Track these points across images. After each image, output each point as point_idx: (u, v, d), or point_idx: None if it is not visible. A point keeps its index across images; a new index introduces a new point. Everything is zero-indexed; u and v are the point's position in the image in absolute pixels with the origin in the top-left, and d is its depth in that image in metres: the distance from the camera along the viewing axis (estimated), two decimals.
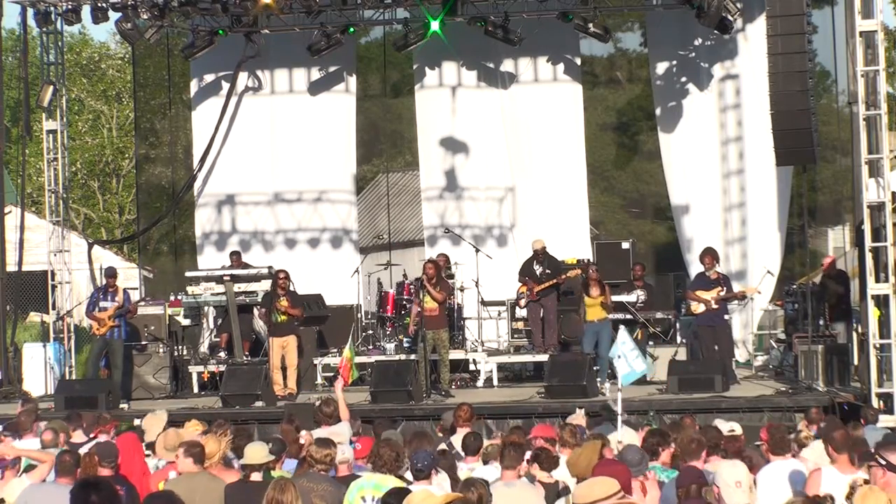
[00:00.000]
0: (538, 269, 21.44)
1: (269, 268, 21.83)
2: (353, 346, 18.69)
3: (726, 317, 20.37)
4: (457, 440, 12.52)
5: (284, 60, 24.90)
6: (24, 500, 9.91)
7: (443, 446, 12.23)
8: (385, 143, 40.87)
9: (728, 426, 13.08)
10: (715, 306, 19.89)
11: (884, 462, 7.81)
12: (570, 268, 21.43)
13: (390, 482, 9.53)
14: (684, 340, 21.25)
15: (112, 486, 6.64)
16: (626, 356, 14.92)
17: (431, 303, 19.67)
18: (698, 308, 20.02)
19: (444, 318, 19.98)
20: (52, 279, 23.51)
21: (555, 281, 21.27)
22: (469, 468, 11.23)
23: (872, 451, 8.00)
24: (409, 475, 9.95)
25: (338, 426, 13.32)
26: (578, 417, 14.47)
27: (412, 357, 20.57)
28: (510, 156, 24.36)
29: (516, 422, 17.59)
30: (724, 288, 20.00)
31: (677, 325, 21.62)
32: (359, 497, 9.58)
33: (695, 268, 23.27)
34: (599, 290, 20.06)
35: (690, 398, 18.41)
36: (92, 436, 13.94)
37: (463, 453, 11.93)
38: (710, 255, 20.32)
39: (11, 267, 23.52)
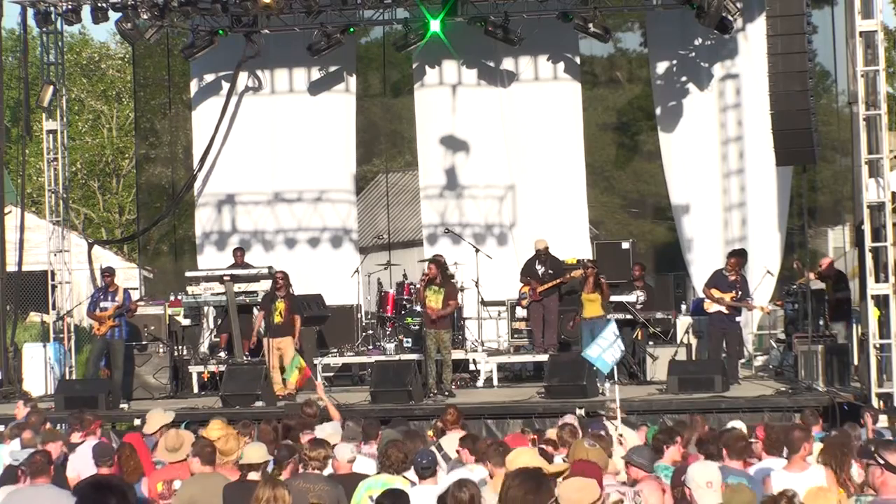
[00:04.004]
0: (540, 269, 21.44)
1: (269, 268, 21.84)
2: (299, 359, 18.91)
3: (738, 319, 20.39)
4: (446, 442, 12.48)
5: (284, 60, 24.90)
6: None
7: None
8: (385, 143, 40.82)
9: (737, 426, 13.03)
10: (726, 311, 19.92)
11: (882, 461, 7.79)
12: (572, 268, 21.43)
13: (398, 482, 9.55)
14: (685, 340, 21.22)
15: (124, 485, 6.61)
16: (601, 345, 14.99)
17: (436, 301, 19.65)
18: (711, 307, 20.04)
19: (448, 318, 19.99)
20: (52, 279, 23.52)
21: (558, 281, 21.27)
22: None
23: (872, 449, 7.98)
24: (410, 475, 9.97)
25: (325, 426, 13.27)
26: (571, 418, 14.39)
27: (412, 357, 20.59)
28: (510, 154, 24.37)
29: (516, 422, 17.65)
30: (740, 291, 20.00)
31: (677, 324, 21.61)
32: (367, 496, 9.62)
33: (695, 267, 23.31)
34: (594, 287, 20.05)
35: (690, 398, 18.42)
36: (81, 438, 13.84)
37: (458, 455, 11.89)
38: (736, 259, 20.32)
39: (11, 267, 23.52)
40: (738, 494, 8.24)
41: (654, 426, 13.85)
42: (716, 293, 20.02)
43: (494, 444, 10.34)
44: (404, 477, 9.87)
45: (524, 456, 8.20)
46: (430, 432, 13.85)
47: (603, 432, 11.47)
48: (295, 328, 20.28)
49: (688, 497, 8.14)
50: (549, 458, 10.53)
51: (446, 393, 19.64)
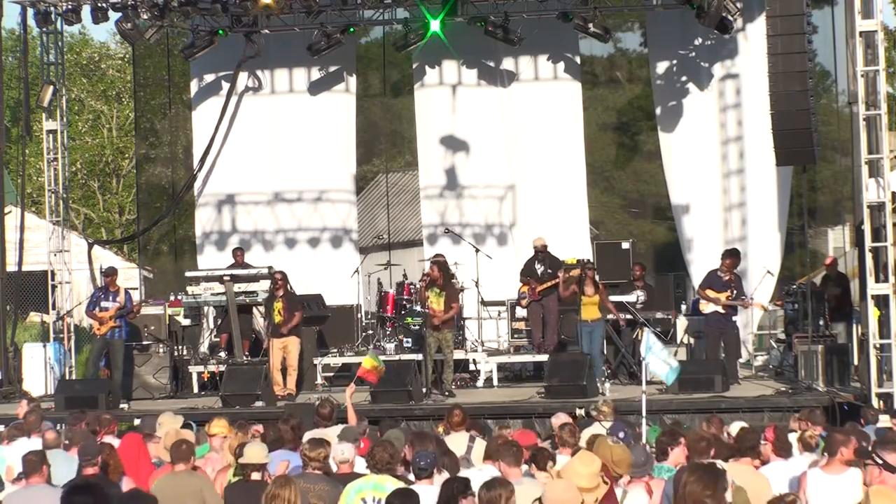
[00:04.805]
0: (539, 269, 21.43)
1: (269, 268, 21.84)
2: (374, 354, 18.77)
3: (734, 318, 20.39)
4: (451, 442, 12.46)
5: (284, 60, 24.90)
6: None
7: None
8: (385, 143, 40.85)
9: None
10: (722, 311, 19.92)
11: (880, 461, 7.81)
12: (571, 267, 21.41)
13: (389, 482, 9.55)
14: (685, 340, 21.23)
15: (104, 486, 6.64)
16: (658, 355, 14.77)
17: (438, 304, 19.64)
18: (707, 308, 20.04)
19: (451, 319, 19.98)
20: (52, 279, 23.51)
21: (557, 280, 21.25)
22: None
23: (870, 449, 8.00)
24: (409, 475, 9.96)
25: (329, 429, 13.28)
26: (563, 417, 14.25)
27: (412, 357, 20.58)
28: (510, 154, 24.38)
29: (516, 422, 17.63)
30: (735, 290, 20.02)
31: (677, 324, 21.61)
32: (358, 498, 9.58)
33: (695, 267, 23.29)
34: (594, 290, 20.05)
35: (690, 398, 18.42)
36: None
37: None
38: (731, 258, 20.34)
39: (11, 267, 23.52)
40: (734, 495, 8.26)
41: (654, 426, 13.83)
42: (711, 293, 20.04)
43: (507, 443, 10.33)
44: (396, 477, 9.85)
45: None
46: (440, 429, 13.83)
47: (622, 433, 11.42)
48: (292, 323, 20.21)
49: None
50: (550, 458, 10.56)
51: (446, 393, 19.63)
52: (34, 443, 13.18)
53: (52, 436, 13.04)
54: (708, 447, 10.25)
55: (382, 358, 20.96)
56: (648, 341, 14.62)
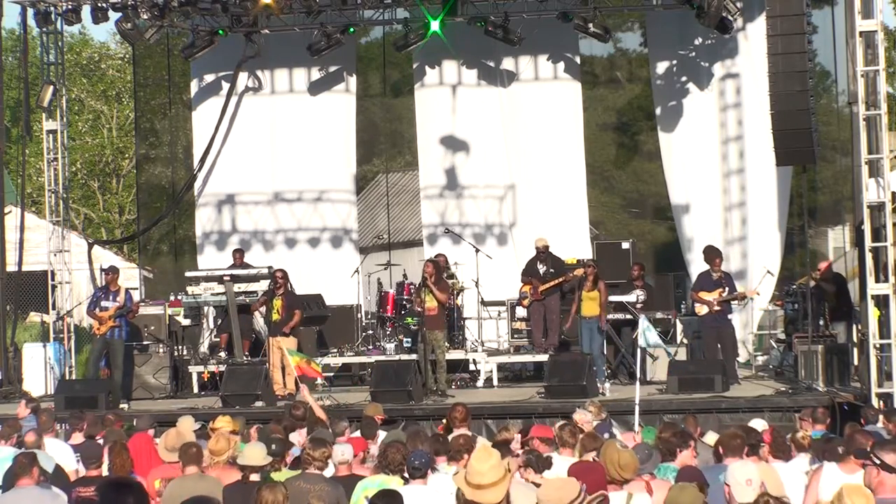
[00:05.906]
0: (542, 269, 21.42)
1: (269, 268, 21.86)
2: (294, 352, 18.77)
3: (729, 316, 20.41)
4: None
5: (284, 60, 24.91)
6: None
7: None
8: (385, 143, 40.83)
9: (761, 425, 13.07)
10: (717, 308, 19.94)
11: (878, 462, 7.81)
12: (573, 267, 21.42)
13: (394, 483, 9.57)
14: (685, 340, 21.24)
15: (142, 486, 6.65)
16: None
17: (432, 302, 19.63)
18: (702, 309, 20.06)
19: (443, 319, 19.95)
20: (52, 279, 23.51)
21: (560, 280, 21.24)
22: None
23: (867, 449, 8.01)
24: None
25: (303, 430, 13.28)
26: (584, 416, 14.30)
27: (412, 357, 20.57)
28: (510, 154, 24.38)
29: (516, 422, 17.62)
30: (727, 288, 20.06)
31: (677, 324, 21.61)
32: (363, 497, 9.63)
33: (695, 267, 23.26)
34: (593, 286, 20.06)
35: (690, 398, 18.42)
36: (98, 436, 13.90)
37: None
38: (720, 258, 20.40)
39: (11, 267, 23.53)
40: (682, 493, 8.28)
41: (648, 426, 13.79)
42: (704, 295, 20.07)
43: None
44: (402, 477, 9.88)
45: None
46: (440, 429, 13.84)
47: (606, 434, 11.43)
48: (291, 322, 20.21)
49: (726, 494, 8.18)
50: (546, 461, 10.56)
51: (440, 393, 19.54)
52: (48, 442, 13.22)
53: (33, 438, 13.04)
54: (742, 444, 10.26)
55: (382, 358, 21.09)
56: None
